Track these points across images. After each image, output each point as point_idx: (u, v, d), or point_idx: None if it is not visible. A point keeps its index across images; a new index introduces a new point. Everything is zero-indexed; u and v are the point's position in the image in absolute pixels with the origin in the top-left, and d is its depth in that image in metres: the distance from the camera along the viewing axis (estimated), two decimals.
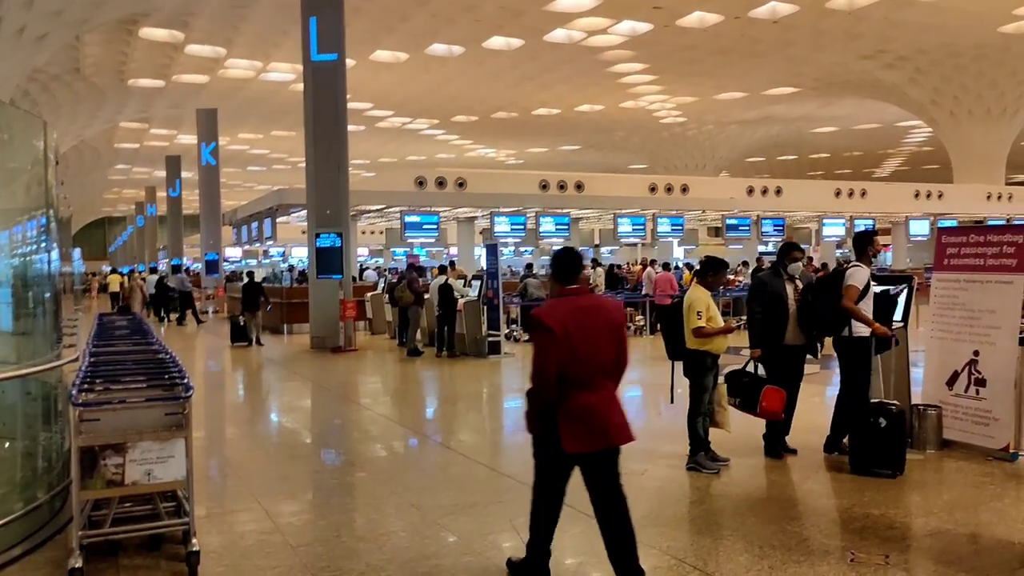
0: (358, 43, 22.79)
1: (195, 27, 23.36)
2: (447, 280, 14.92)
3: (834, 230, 27.86)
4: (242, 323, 17.32)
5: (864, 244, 6.80)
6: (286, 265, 36.34)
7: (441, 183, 22.62)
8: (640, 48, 25.97)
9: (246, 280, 18.23)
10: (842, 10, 22.49)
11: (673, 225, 25.42)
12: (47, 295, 6.67)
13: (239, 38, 24.48)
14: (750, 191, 27.78)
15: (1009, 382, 6.59)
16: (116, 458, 4.41)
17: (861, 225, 27.23)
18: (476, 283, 15.59)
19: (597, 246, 38.47)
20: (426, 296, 15.45)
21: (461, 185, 22.82)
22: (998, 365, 6.67)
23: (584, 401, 4.03)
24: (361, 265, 33.03)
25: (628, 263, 29.75)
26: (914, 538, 5.05)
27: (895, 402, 6.46)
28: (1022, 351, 6.66)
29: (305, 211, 18.08)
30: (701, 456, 6.49)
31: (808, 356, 7.06)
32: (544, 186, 24.27)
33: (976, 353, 6.82)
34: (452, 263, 18.91)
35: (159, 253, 50.77)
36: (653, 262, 22.04)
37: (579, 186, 24.71)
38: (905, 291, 7.18)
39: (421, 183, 22.54)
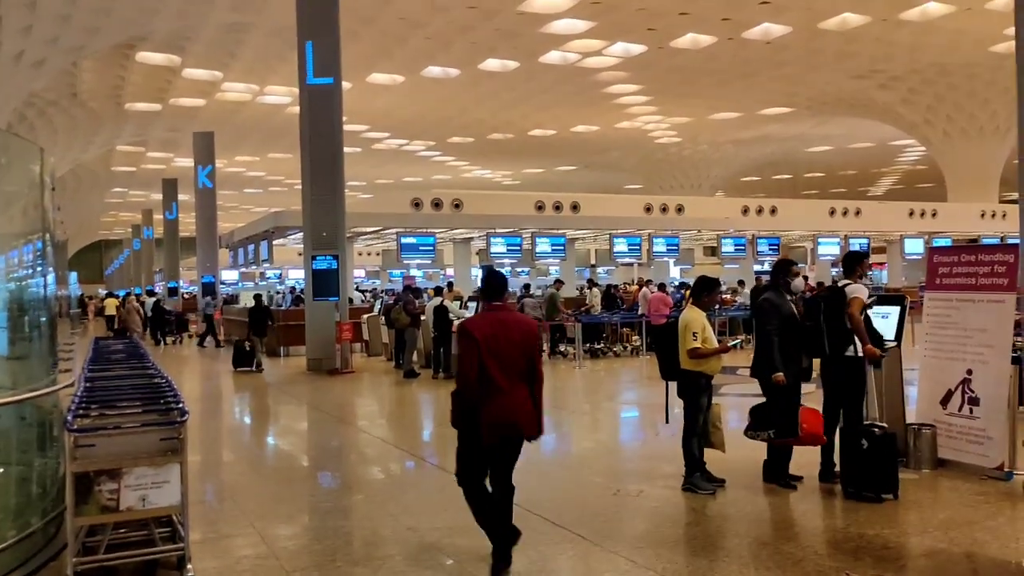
0: (355, 66, 22.94)
1: (192, 51, 23.53)
2: (443, 302, 14.93)
3: (829, 249, 27.94)
4: (248, 347, 16.76)
5: (854, 264, 6.80)
6: (286, 287, 36.16)
7: (437, 204, 22.73)
8: (635, 69, 26.20)
9: (253, 303, 17.93)
10: (835, 31, 22.70)
11: (669, 245, 25.56)
12: (43, 319, 6.68)
13: (235, 62, 24.65)
14: (745, 211, 27.94)
15: (1002, 400, 6.60)
16: (111, 484, 4.42)
17: (856, 244, 27.32)
18: (472, 304, 15.59)
19: (593, 266, 38.54)
20: (423, 318, 15.45)
21: (457, 206, 22.93)
22: (991, 384, 6.68)
23: (501, 400, 4.62)
24: (357, 287, 32.99)
25: (624, 283, 29.82)
26: (909, 558, 5.06)
27: (883, 424, 6.39)
28: (1014, 370, 6.70)
29: (301, 233, 18.11)
30: (697, 477, 6.48)
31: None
32: (540, 207, 24.40)
33: (969, 372, 6.83)
34: (450, 284, 18.93)
35: (155, 276, 50.77)
36: (649, 282, 22.12)
37: (575, 206, 24.83)
38: (898, 310, 7.18)
39: (417, 204, 22.66)
